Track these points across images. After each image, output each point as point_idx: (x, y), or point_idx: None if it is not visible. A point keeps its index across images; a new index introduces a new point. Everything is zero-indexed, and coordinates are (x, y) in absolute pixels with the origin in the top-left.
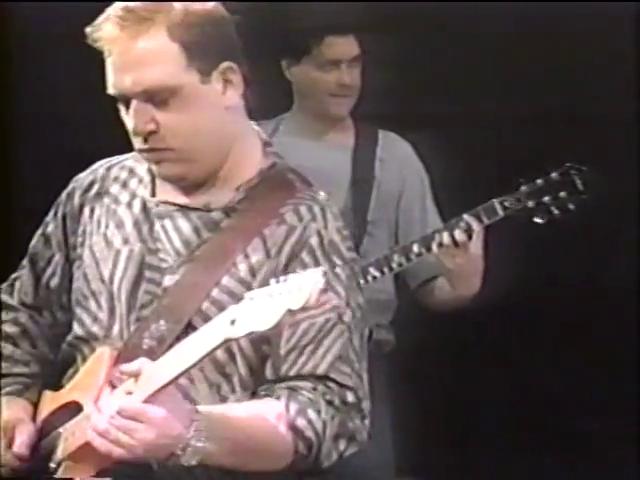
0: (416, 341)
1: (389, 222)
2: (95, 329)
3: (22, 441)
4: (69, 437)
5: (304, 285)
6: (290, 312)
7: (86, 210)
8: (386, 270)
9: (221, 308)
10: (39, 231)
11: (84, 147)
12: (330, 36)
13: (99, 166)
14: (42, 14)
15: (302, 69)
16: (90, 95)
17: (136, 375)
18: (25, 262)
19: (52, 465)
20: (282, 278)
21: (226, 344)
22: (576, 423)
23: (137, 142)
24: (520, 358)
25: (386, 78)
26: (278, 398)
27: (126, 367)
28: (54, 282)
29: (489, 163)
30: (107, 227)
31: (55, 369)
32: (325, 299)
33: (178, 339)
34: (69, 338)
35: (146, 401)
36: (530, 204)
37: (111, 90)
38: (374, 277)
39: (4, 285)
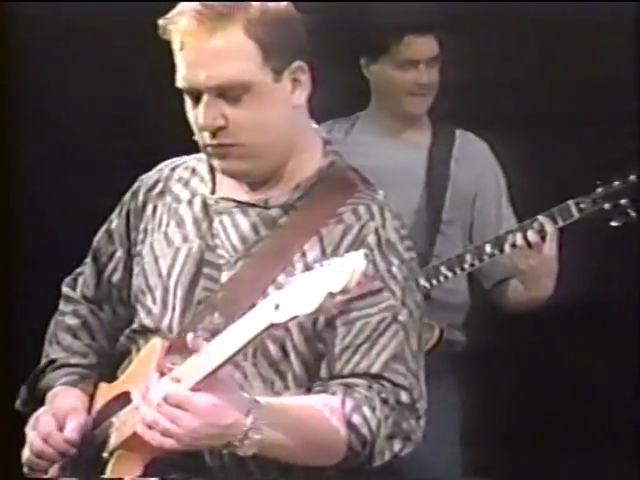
0: (488, 342)
1: (463, 222)
2: (147, 322)
3: (73, 427)
4: (121, 426)
5: (344, 267)
6: (331, 295)
7: (149, 208)
8: (458, 270)
9: None
10: (103, 227)
11: (84, 148)
12: (409, 35)
13: (165, 166)
14: (42, 14)
15: (380, 67)
16: (90, 95)
17: (197, 350)
18: (88, 257)
19: (105, 454)
20: (325, 262)
21: (271, 330)
22: None
23: (204, 137)
24: (592, 360)
25: (464, 77)
26: (334, 394)
27: (191, 340)
28: (116, 277)
29: (566, 163)
30: (168, 225)
31: (113, 361)
32: (365, 281)
33: None
34: (126, 331)
35: (193, 389)
36: (606, 206)
37: (182, 83)
38: (446, 277)
39: (67, 279)
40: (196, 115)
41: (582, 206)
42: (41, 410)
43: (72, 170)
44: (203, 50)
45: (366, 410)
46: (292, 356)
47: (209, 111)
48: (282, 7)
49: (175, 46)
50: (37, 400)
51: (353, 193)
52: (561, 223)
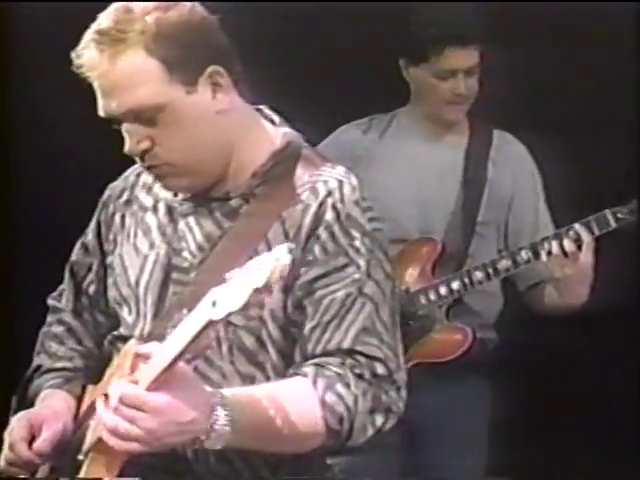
0: (520, 341)
1: (499, 224)
2: (123, 330)
3: (46, 436)
4: (95, 428)
5: (267, 263)
6: (257, 290)
7: (117, 217)
8: (492, 274)
9: None
10: (79, 240)
11: (84, 148)
12: (450, 47)
13: (130, 172)
14: (42, 14)
15: (419, 73)
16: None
17: (147, 358)
18: (66, 272)
19: (80, 457)
20: (256, 257)
21: (212, 327)
22: None
23: (138, 162)
24: (623, 364)
25: (502, 78)
26: (305, 375)
27: (137, 348)
28: (92, 289)
29: (604, 170)
30: (136, 236)
31: (102, 364)
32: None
33: None
34: (109, 337)
35: (149, 389)
36: None
37: (101, 113)
38: (480, 282)
39: (53, 294)
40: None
41: (619, 216)
42: (18, 415)
43: (72, 170)
44: (110, 79)
45: (340, 387)
46: (269, 345)
47: (131, 136)
48: (183, 15)
49: (90, 79)
50: (28, 408)
51: (312, 172)
52: (597, 232)
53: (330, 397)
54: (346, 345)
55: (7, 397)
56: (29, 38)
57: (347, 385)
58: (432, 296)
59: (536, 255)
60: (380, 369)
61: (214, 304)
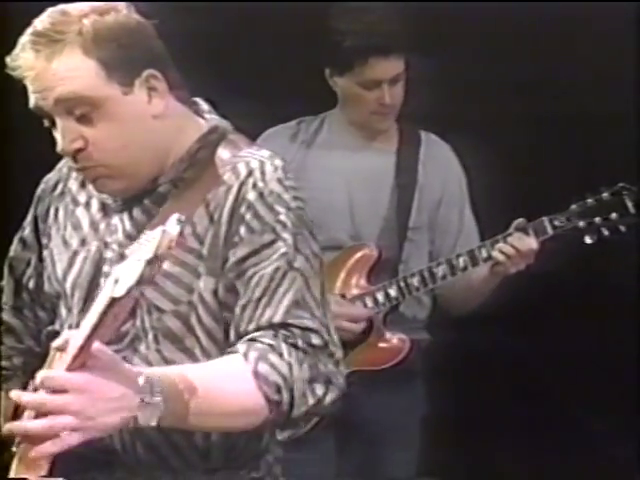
0: (451, 340)
1: (429, 227)
2: (58, 327)
3: None
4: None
5: (154, 235)
6: (149, 263)
7: (52, 210)
8: (429, 281)
9: (176, 281)
10: (17, 235)
11: None
12: (373, 58)
13: (63, 165)
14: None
15: (344, 82)
16: None
17: (63, 349)
18: (5, 268)
19: (14, 449)
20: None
21: (116, 304)
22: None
23: (70, 163)
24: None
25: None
26: (237, 351)
27: (54, 343)
28: (31, 284)
29: (530, 170)
30: (65, 229)
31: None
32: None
33: (132, 313)
34: (44, 332)
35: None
36: (581, 224)
37: (32, 108)
38: (417, 288)
39: None
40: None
41: (556, 223)
42: None
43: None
44: (45, 76)
45: (272, 357)
46: (197, 330)
47: (65, 134)
48: (120, 19)
49: (25, 80)
50: None
51: (235, 153)
52: (533, 237)
53: (262, 367)
54: (277, 319)
55: None
56: None
57: (280, 355)
58: (369, 303)
59: (474, 262)
60: (315, 339)
61: (116, 282)
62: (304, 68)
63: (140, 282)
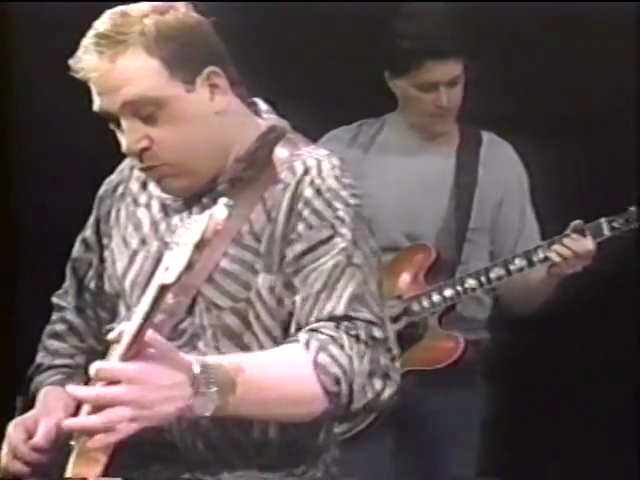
0: (512, 340)
1: (490, 227)
2: (115, 324)
3: (42, 432)
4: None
5: (200, 219)
6: (197, 247)
7: (113, 212)
8: (485, 282)
9: (235, 278)
10: (79, 237)
11: (84, 147)
12: (429, 61)
13: (125, 166)
14: (42, 14)
15: (402, 84)
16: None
17: (117, 340)
18: (67, 269)
19: (72, 442)
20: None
21: (167, 291)
22: None
23: (135, 163)
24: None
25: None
26: (297, 341)
27: (109, 336)
28: (93, 285)
29: (598, 174)
30: (126, 229)
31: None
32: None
33: (190, 311)
34: (104, 331)
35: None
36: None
37: (98, 111)
38: (473, 289)
39: (58, 292)
40: (122, 142)
41: (614, 225)
42: (14, 422)
43: (72, 171)
44: (110, 78)
45: (333, 348)
46: (255, 327)
47: (130, 134)
48: (180, 17)
49: (89, 82)
50: (31, 407)
51: (292, 152)
52: (590, 239)
53: (323, 357)
54: (339, 312)
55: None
56: (29, 38)
57: (341, 346)
58: (425, 303)
59: (530, 263)
60: (377, 332)
61: (167, 269)
62: (367, 69)
63: (189, 267)
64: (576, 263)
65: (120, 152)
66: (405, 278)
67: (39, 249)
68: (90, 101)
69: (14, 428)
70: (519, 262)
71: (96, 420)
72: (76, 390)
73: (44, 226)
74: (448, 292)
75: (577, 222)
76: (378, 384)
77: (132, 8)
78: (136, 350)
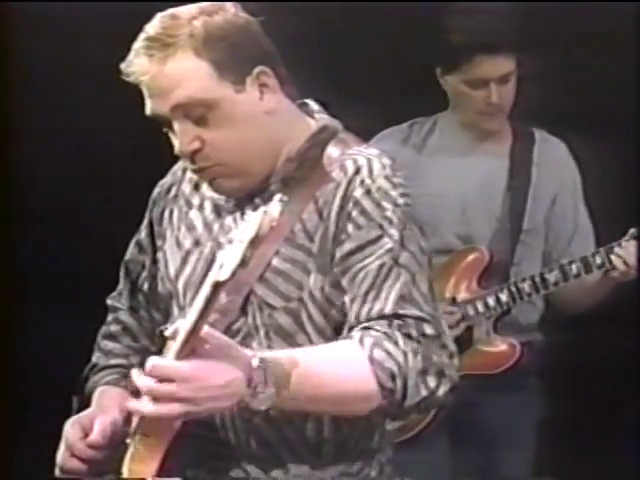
0: (566, 341)
1: (543, 228)
2: (168, 325)
3: (98, 429)
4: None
5: (255, 215)
6: (251, 243)
7: (166, 213)
8: (540, 287)
9: (287, 277)
10: (134, 239)
11: (84, 147)
12: (479, 56)
13: (178, 168)
14: (42, 14)
15: (452, 81)
16: (90, 95)
17: (173, 337)
18: (121, 270)
19: (127, 440)
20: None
21: (222, 287)
22: None
23: (188, 165)
24: None
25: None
26: (351, 338)
27: (166, 332)
28: (146, 286)
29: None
30: (179, 230)
31: None
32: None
33: (243, 310)
34: (158, 331)
35: (177, 359)
36: None
37: (150, 114)
38: (529, 294)
39: (112, 294)
40: (175, 144)
41: None
42: (69, 422)
43: (72, 171)
44: (160, 80)
45: (388, 344)
46: (308, 327)
47: (182, 136)
48: (228, 18)
49: (141, 84)
50: (87, 406)
51: (344, 151)
52: None
53: (378, 353)
54: (388, 311)
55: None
56: (29, 38)
57: (395, 343)
58: (480, 307)
59: (588, 269)
60: (428, 329)
61: (221, 266)
62: (418, 67)
63: (243, 263)
64: (635, 270)
65: (126, 152)
66: (459, 281)
67: (39, 250)
68: (90, 101)
69: (71, 426)
70: (576, 268)
71: (148, 408)
72: (136, 376)
73: (44, 226)
74: (504, 296)
75: (635, 230)
76: (432, 382)
77: (182, 10)
78: (191, 347)
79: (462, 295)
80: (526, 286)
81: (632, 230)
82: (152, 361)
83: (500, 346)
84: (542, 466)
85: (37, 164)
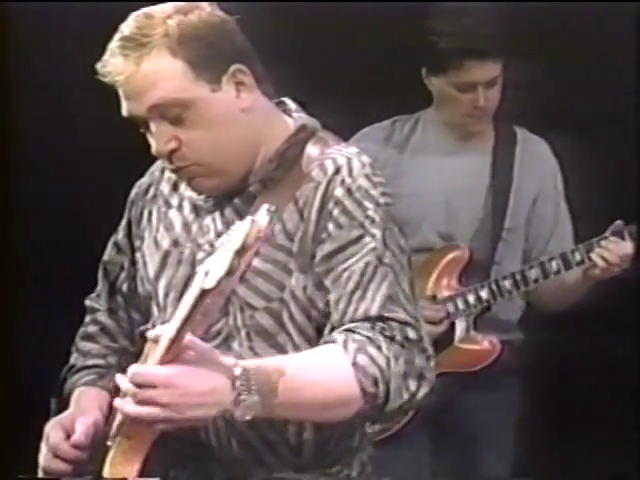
0: (546, 340)
1: (524, 226)
2: (150, 326)
3: (81, 430)
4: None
5: (242, 225)
6: (238, 253)
7: (145, 213)
8: (521, 284)
9: (268, 278)
10: (111, 240)
11: (85, 147)
12: (468, 61)
13: (156, 168)
14: (42, 14)
15: (439, 83)
16: (90, 95)
17: (155, 341)
18: (100, 271)
19: (108, 442)
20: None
21: (207, 296)
22: None
23: (165, 165)
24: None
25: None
26: (335, 341)
27: (149, 334)
28: (125, 287)
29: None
30: (157, 230)
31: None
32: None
33: (226, 312)
34: (137, 332)
35: (160, 364)
36: None
37: (125, 115)
38: (509, 291)
39: (91, 295)
40: (152, 144)
41: None
42: (50, 423)
43: (72, 171)
44: (136, 81)
45: (371, 349)
46: (289, 327)
47: (158, 137)
48: (203, 16)
49: (116, 85)
50: (65, 407)
51: (323, 150)
52: (630, 242)
53: (362, 359)
54: (374, 312)
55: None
56: (29, 38)
57: (378, 347)
58: (460, 304)
59: (567, 266)
60: (411, 333)
61: (206, 274)
62: (401, 66)
63: (230, 272)
64: (615, 267)
65: (122, 151)
66: (439, 279)
67: (39, 249)
68: (89, 100)
69: (52, 428)
70: (555, 265)
71: (130, 409)
72: (120, 379)
73: (44, 226)
74: (484, 293)
75: (618, 223)
76: (413, 385)
77: (156, 9)
78: (175, 354)
79: (442, 293)
80: (507, 283)
81: (611, 227)
82: (132, 369)
83: (480, 344)
84: (520, 467)
85: (37, 164)
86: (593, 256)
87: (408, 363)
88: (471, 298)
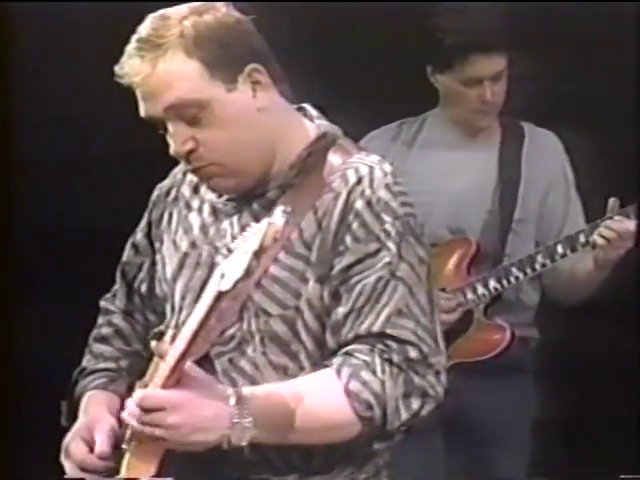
0: (563, 339)
1: (537, 217)
2: (164, 328)
3: (102, 439)
4: None
5: (259, 227)
6: (255, 255)
7: (165, 215)
8: (529, 271)
9: (284, 285)
10: (129, 241)
11: (85, 147)
12: (474, 55)
13: (178, 171)
14: (42, 14)
15: (445, 80)
16: (90, 95)
17: (163, 355)
18: (117, 273)
19: (124, 446)
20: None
21: (223, 298)
22: None
23: (184, 165)
24: None
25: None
26: (331, 365)
27: (156, 349)
28: (144, 288)
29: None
30: (177, 232)
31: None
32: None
33: (240, 318)
34: (151, 333)
35: (164, 387)
36: None
37: (144, 117)
38: (517, 278)
39: (106, 296)
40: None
41: None
42: (68, 437)
43: (72, 171)
44: (152, 82)
45: (365, 374)
46: (303, 335)
47: (176, 138)
48: (219, 17)
49: (134, 86)
50: (76, 410)
51: (345, 159)
52: (635, 221)
53: (354, 385)
54: (376, 328)
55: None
56: (29, 38)
57: (373, 372)
58: (469, 295)
59: (573, 248)
60: (413, 352)
61: (222, 276)
62: (407, 67)
63: (247, 274)
64: (619, 246)
65: (122, 151)
66: (447, 270)
67: (39, 249)
68: (89, 101)
69: (71, 442)
70: (561, 248)
71: (138, 425)
72: (128, 404)
73: (44, 226)
74: (492, 282)
75: (614, 200)
76: (415, 404)
77: (172, 11)
78: (178, 376)
79: (451, 284)
80: (514, 269)
81: (611, 203)
82: (140, 394)
83: (491, 332)
84: (537, 467)
85: (37, 164)
86: (595, 236)
87: (407, 383)
88: (480, 287)
